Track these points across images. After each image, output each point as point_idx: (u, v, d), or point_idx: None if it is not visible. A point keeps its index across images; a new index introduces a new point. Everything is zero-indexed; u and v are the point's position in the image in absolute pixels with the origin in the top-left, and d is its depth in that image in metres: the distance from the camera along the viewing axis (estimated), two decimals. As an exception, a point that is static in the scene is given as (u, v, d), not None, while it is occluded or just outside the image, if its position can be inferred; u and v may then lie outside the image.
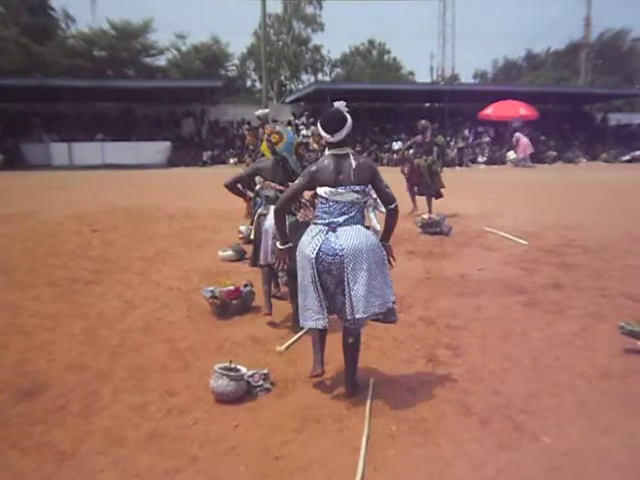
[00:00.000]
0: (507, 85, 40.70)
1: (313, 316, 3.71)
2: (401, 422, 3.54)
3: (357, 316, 3.62)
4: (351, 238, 3.60)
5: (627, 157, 29.66)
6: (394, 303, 3.81)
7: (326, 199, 3.70)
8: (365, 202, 3.85)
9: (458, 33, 64.58)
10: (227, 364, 3.90)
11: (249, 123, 24.92)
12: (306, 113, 31.91)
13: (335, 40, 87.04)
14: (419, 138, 11.43)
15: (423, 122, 11.51)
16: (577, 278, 6.91)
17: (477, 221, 11.06)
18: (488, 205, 13.20)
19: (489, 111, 27.23)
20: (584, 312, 5.64)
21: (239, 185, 5.48)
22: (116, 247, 8.98)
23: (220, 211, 11.87)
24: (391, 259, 3.91)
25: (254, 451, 3.24)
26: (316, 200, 3.91)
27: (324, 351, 4.01)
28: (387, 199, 3.82)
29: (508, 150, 27.50)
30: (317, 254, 3.61)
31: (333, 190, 3.66)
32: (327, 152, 3.78)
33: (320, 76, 52.41)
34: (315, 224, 3.74)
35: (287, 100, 39.91)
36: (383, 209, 3.99)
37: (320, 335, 3.96)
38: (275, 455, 3.20)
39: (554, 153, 29.41)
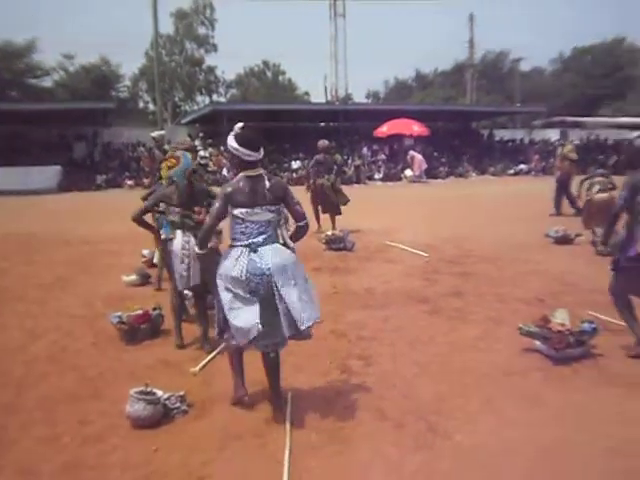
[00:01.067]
0: (399, 104, 42.35)
1: (247, 333, 3.65)
2: (320, 432, 3.64)
3: (302, 327, 3.66)
4: (274, 256, 3.67)
5: (512, 171, 31.52)
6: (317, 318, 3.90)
7: (242, 219, 3.75)
8: (279, 221, 3.94)
9: (350, 54, 66.32)
10: (143, 388, 3.84)
11: (144, 145, 24.42)
12: (201, 134, 31.65)
13: (229, 61, 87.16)
14: (320, 157, 11.69)
15: (322, 142, 11.80)
16: (475, 286, 7.30)
17: (379, 236, 11.40)
18: (388, 220, 13.62)
19: (384, 129, 28.22)
20: (484, 317, 5.98)
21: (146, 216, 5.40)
22: (10, 276, 8.56)
23: (120, 235, 11.53)
24: None
25: (176, 473, 3.23)
26: (231, 221, 3.90)
27: (244, 372, 4.02)
28: (298, 216, 3.92)
29: (404, 168, 28.51)
30: (246, 276, 3.64)
31: (250, 210, 3.73)
32: (241, 174, 3.80)
33: (215, 97, 52.26)
34: (234, 246, 3.76)
35: (183, 121, 39.46)
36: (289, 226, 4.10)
37: (240, 357, 3.98)
38: (198, 475, 3.21)
39: (446, 168, 30.81)
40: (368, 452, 3.40)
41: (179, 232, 4.97)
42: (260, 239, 3.71)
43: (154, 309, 5.60)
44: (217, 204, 3.81)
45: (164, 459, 3.37)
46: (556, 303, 6.03)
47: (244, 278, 3.63)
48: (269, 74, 55.53)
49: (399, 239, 10.78)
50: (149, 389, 3.87)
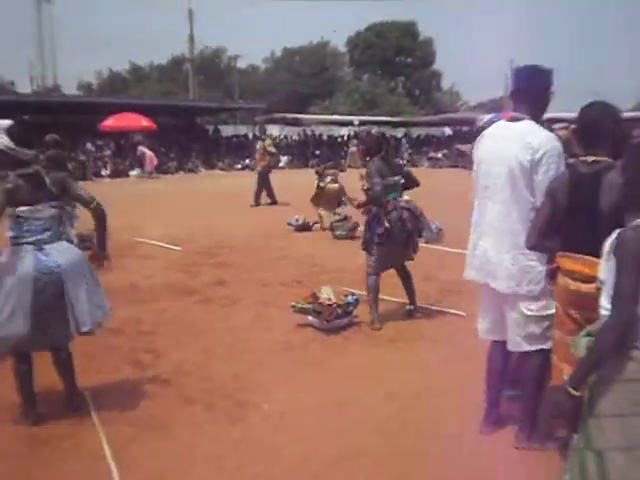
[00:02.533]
0: (123, 98, 40.79)
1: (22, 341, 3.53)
2: (134, 424, 3.70)
3: (84, 329, 3.64)
4: (63, 254, 3.60)
5: (239, 165, 32.78)
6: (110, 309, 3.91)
7: (26, 218, 3.60)
8: (61, 217, 3.85)
9: (58, 41, 62.15)
10: None
11: None
12: None
13: None
14: (52, 153, 11.01)
15: (50, 137, 11.15)
16: (236, 274, 7.72)
17: (126, 232, 11.15)
18: (130, 217, 13.35)
19: (109, 122, 27.21)
20: (253, 301, 6.43)
21: None
22: None
23: None
24: None
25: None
26: (10, 220, 3.69)
27: (34, 383, 3.80)
28: (85, 200, 3.88)
29: (132, 164, 27.83)
30: (33, 275, 3.50)
31: (32, 208, 3.59)
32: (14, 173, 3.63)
33: None
34: (18, 244, 3.59)
35: None
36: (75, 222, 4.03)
37: (27, 369, 3.74)
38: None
39: (175, 163, 30.84)
40: (187, 434, 3.59)
41: None
42: (45, 236, 3.63)
43: None
44: None
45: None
46: (312, 283, 6.71)
47: (30, 277, 3.50)
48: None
49: (148, 235, 10.71)
50: None
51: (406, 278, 5.77)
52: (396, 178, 5.60)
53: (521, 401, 3.48)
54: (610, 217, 2.39)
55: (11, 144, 3.60)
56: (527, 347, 3.27)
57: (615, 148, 2.71)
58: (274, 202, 15.06)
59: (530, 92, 3.25)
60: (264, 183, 15.00)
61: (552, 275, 2.93)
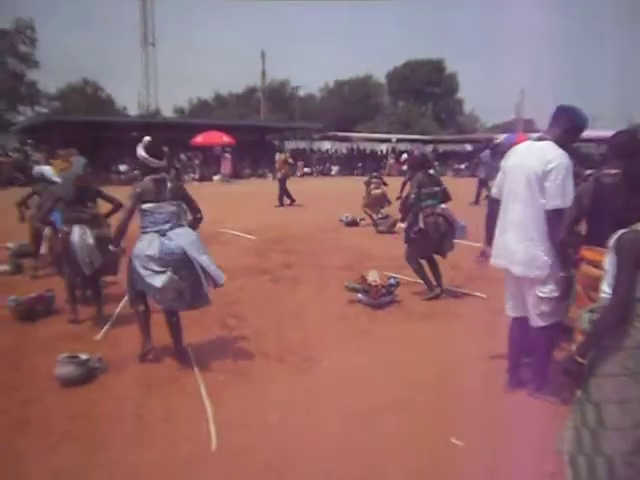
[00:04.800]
0: (208, 119, 41.49)
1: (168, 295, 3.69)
2: (224, 373, 3.80)
3: (221, 282, 3.84)
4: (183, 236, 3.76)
5: (299, 173, 32.87)
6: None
7: (151, 212, 3.75)
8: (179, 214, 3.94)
9: (160, 75, 63.89)
10: (68, 353, 3.65)
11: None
12: (29, 142, 28.24)
13: (51, 75, 78.08)
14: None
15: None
16: (299, 259, 7.77)
17: (210, 225, 11.33)
18: (214, 212, 13.56)
19: (199, 139, 27.78)
20: (313, 281, 6.46)
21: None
22: None
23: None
24: None
25: (116, 416, 3.19)
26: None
27: (150, 331, 4.00)
28: (195, 208, 4.03)
29: (215, 171, 28.33)
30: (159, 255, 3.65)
31: (156, 205, 3.75)
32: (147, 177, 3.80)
33: (37, 108, 46.51)
34: (146, 233, 3.75)
35: (11, 129, 34.73)
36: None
37: (147, 317, 3.96)
38: (135, 414, 3.20)
39: (249, 170, 31.20)
40: (266, 382, 3.66)
41: (76, 226, 4.68)
42: (167, 226, 3.74)
43: (47, 291, 5.17)
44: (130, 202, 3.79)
45: (102, 407, 3.30)
46: (360, 268, 6.66)
47: (157, 256, 3.64)
48: (88, 90, 50.92)
49: (228, 226, 10.86)
50: (74, 354, 3.69)
51: (434, 267, 5.73)
52: (435, 189, 5.61)
53: (534, 364, 3.45)
54: (622, 219, 2.33)
55: (145, 155, 3.75)
56: (541, 323, 3.25)
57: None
58: (292, 202, 14.92)
59: (561, 124, 3.19)
60: (283, 187, 14.96)
61: (577, 264, 2.88)
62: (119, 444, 2.91)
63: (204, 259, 3.73)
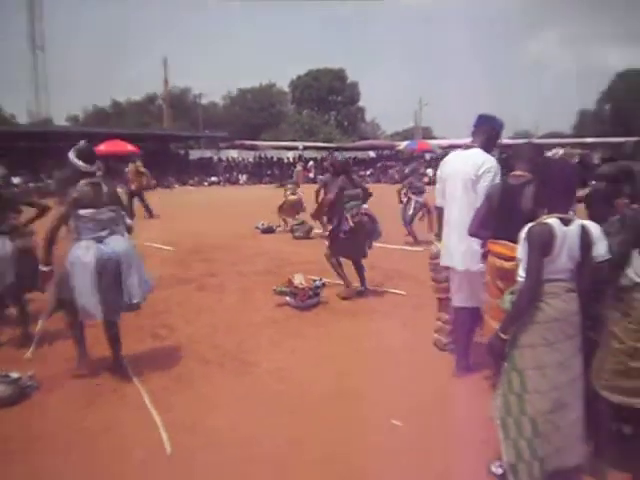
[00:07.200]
0: (109, 128, 39.55)
1: (91, 310, 3.63)
2: (166, 380, 3.85)
3: (135, 300, 3.76)
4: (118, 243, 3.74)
5: (206, 182, 32.49)
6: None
7: (90, 219, 3.69)
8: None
9: (51, 82, 60.07)
10: (-1, 373, 3.52)
11: None
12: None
13: None
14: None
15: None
16: (221, 267, 7.80)
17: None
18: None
19: (102, 147, 26.55)
20: (237, 288, 6.56)
21: None
22: None
23: None
24: None
25: (59, 430, 3.14)
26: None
27: (85, 343, 3.94)
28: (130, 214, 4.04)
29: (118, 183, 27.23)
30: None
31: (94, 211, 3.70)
32: (82, 181, 3.73)
33: None
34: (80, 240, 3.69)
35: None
36: None
37: (81, 330, 3.90)
38: (77, 428, 3.19)
39: (154, 181, 30.30)
40: (209, 386, 3.77)
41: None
42: (104, 233, 3.72)
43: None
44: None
45: (40, 425, 3.23)
46: (282, 273, 6.90)
47: (94, 264, 3.60)
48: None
49: (142, 238, 10.55)
50: (3, 373, 3.56)
51: (359, 268, 6.08)
52: (357, 190, 5.95)
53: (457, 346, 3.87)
54: (526, 215, 2.72)
55: (75, 159, 3.72)
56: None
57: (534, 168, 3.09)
58: (151, 215, 14.37)
59: (484, 131, 3.65)
60: (138, 197, 14.12)
61: (484, 256, 3.26)
62: (63, 460, 2.88)
63: (132, 280, 3.74)
